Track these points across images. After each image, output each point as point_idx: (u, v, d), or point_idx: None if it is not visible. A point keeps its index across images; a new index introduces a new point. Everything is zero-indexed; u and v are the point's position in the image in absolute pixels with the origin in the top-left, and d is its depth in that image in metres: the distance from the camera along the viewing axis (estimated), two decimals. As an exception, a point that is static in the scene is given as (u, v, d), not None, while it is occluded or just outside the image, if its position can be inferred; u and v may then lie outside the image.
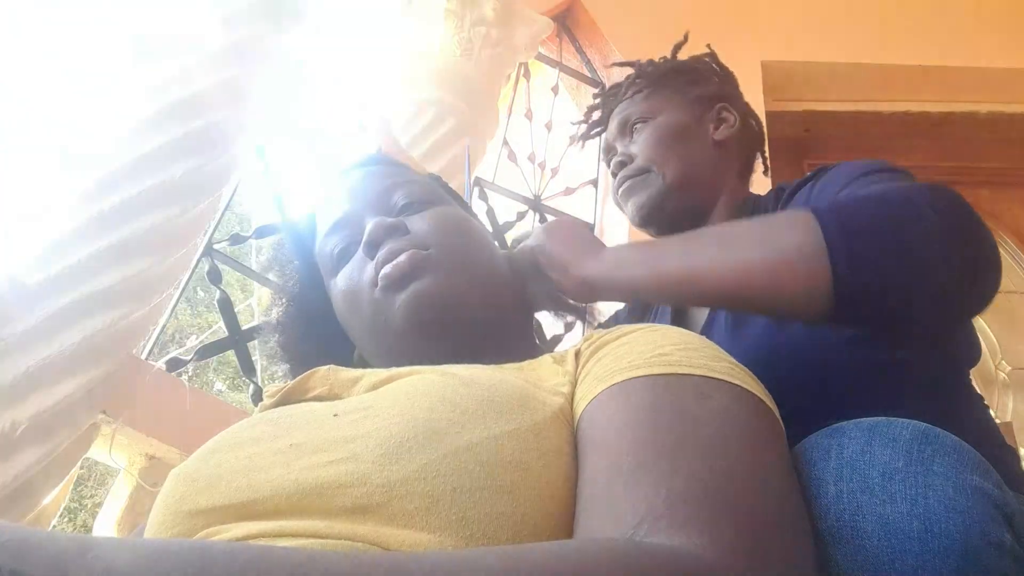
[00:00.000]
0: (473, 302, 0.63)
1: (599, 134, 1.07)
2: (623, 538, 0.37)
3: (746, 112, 1.02)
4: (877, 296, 0.54)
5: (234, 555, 0.29)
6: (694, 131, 0.95)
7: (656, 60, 1.04)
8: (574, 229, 0.74)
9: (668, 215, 0.92)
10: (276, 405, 0.59)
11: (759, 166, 1.07)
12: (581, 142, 1.11)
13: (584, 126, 1.09)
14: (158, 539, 0.31)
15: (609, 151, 1.01)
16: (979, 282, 0.56)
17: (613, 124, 1.00)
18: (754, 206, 0.90)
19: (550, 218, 2.03)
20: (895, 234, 0.54)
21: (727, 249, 0.60)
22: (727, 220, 0.91)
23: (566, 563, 0.33)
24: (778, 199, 0.86)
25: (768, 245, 0.57)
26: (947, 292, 0.55)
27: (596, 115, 1.07)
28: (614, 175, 0.97)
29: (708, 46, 1.07)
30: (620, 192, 0.95)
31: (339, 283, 0.68)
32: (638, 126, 0.96)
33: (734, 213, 0.92)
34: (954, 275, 0.55)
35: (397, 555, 0.34)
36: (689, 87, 0.99)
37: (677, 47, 1.07)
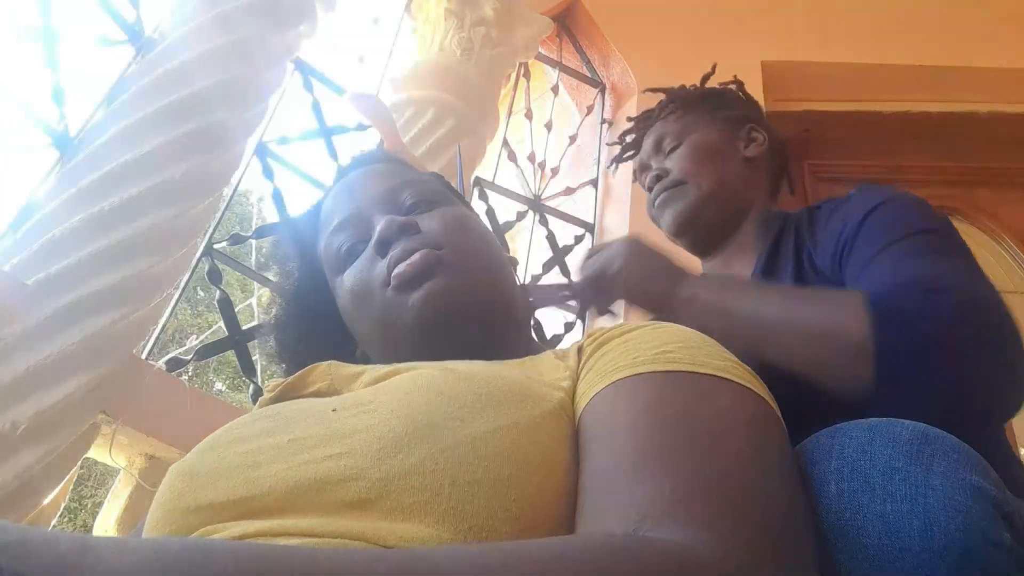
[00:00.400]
0: (484, 301, 0.63)
1: (631, 157, 1.12)
2: (626, 533, 0.37)
3: (774, 134, 1.07)
4: (913, 405, 0.58)
5: (236, 554, 0.29)
6: (726, 149, 1.01)
7: (688, 86, 1.11)
8: (646, 249, 0.81)
9: (702, 226, 0.98)
10: (275, 401, 0.59)
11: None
12: (615, 164, 1.18)
13: (618, 148, 1.15)
14: (158, 538, 0.31)
15: (644, 169, 1.07)
16: (1015, 391, 0.61)
17: (647, 143, 1.06)
18: (784, 222, 0.94)
19: (550, 218, 2.04)
20: (940, 361, 0.59)
21: (791, 321, 0.66)
22: (757, 233, 0.96)
23: (570, 558, 0.33)
24: (811, 220, 0.89)
25: (824, 331, 0.64)
26: (977, 403, 0.60)
27: (630, 139, 1.13)
28: (649, 189, 1.03)
29: (735, 77, 1.13)
30: (657, 203, 1.00)
31: (347, 281, 0.67)
32: (672, 144, 1.02)
33: (764, 226, 0.96)
34: (987, 395, 0.60)
35: (398, 553, 0.34)
36: (719, 110, 1.05)
37: (706, 77, 1.14)
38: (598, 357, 0.52)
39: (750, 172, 1.01)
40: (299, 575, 0.29)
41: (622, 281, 0.79)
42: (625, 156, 1.14)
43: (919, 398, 0.58)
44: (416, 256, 0.61)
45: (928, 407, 0.57)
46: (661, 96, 1.11)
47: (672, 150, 1.02)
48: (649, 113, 1.10)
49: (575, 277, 0.86)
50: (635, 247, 0.81)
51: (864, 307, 0.63)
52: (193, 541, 0.31)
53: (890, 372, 0.59)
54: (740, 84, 1.13)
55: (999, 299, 0.64)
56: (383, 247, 0.64)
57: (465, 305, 0.61)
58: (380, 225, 0.65)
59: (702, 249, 1.01)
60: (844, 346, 0.62)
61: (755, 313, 0.68)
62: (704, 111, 1.04)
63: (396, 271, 0.62)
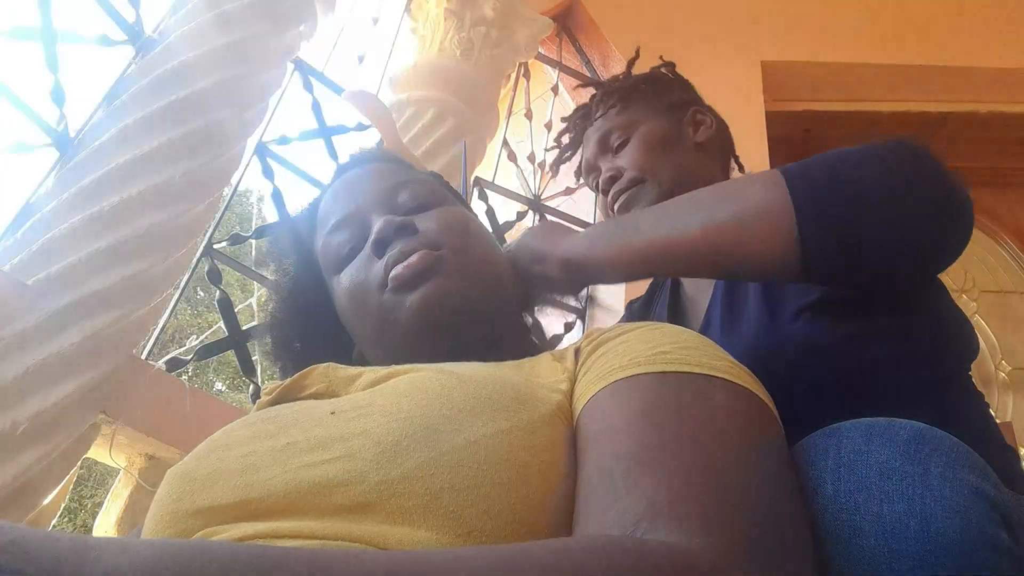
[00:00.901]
0: (482, 303, 0.63)
1: (570, 157, 1.07)
2: (623, 535, 0.37)
3: (717, 115, 1.03)
4: (844, 249, 0.55)
5: (235, 555, 0.29)
6: (676, 136, 0.96)
7: (620, 75, 1.05)
8: (551, 225, 0.77)
9: None
10: (273, 403, 0.59)
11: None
12: (554, 168, 1.11)
13: (557, 153, 1.09)
14: (159, 539, 0.31)
15: (591, 170, 1.01)
16: (948, 227, 0.57)
17: (591, 143, 1.00)
18: None
19: (550, 218, 2.04)
20: (859, 186, 0.55)
21: (696, 211, 0.61)
22: None
23: (567, 560, 0.33)
24: None
25: (735, 203, 0.59)
26: (915, 240, 0.56)
27: (566, 138, 1.06)
28: (604, 192, 0.96)
29: (661, 58, 1.08)
30: (616, 207, 0.94)
31: (343, 281, 0.67)
32: (619, 140, 0.96)
33: None
34: (920, 221, 0.56)
35: (396, 554, 0.34)
36: (659, 96, 1.00)
37: (631, 63, 1.08)
38: (595, 359, 0.52)
39: (704, 158, 0.97)
40: (299, 575, 0.29)
41: (521, 249, 0.74)
42: (565, 157, 1.08)
43: (852, 237, 0.55)
44: (414, 257, 0.61)
45: (861, 248, 0.55)
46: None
47: (620, 146, 0.96)
48: (585, 109, 1.04)
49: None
50: (531, 227, 0.77)
51: (775, 171, 0.58)
52: (193, 541, 0.31)
53: (816, 219, 0.55)
54: (670, 65, 1.07)
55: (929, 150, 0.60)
56: (380, 247, 0.64)
57: (462, 307, 0.61)
58: (377, 225, 0.64)
59: None
60: (760, 210, 0.57)
61: (658, 218, 0.63)
62: (644, 99, 0.99)
63: (393, 272, 0.61)
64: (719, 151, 1.01)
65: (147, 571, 0.27)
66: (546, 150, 1.14)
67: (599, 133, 0.98)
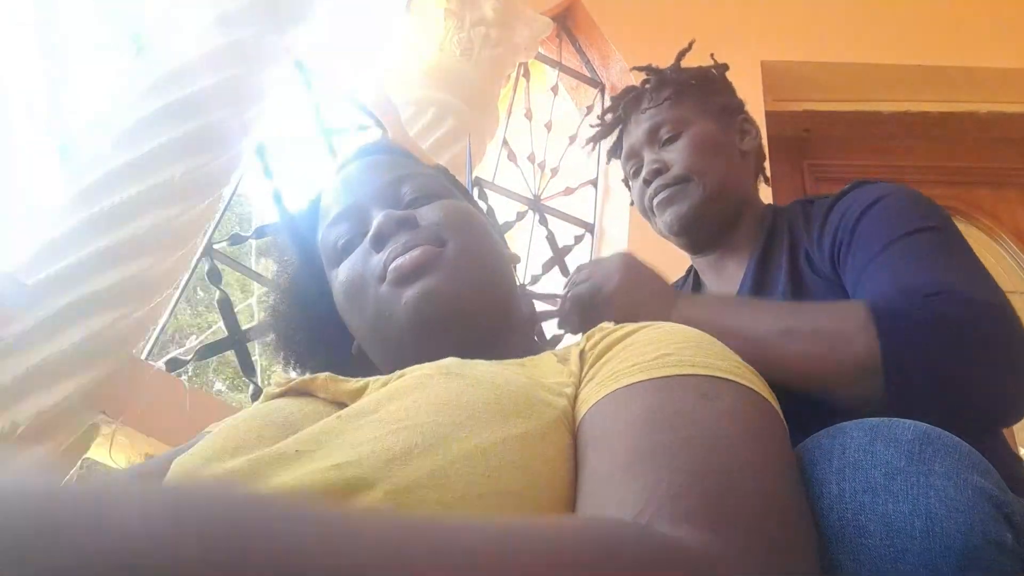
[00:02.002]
0: (481, 300, 0.62)
1: (609, 135, 1.06)
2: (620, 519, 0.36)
3: (757, 125, 1.04)
4: (924, 412, 0.59)
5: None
6: (724, 142, 0.97)
7: (674, 67, 1.04)
8: (639, 272, 0.78)
9: (705, 225, 0.93)
10: (281, 395, 0.58)
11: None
12: (594, 144, 1.12)
13: (598, 129, 1.08)
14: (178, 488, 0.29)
15: (633, 157, 1.00)
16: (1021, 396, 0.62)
17: (639, 130, 0.99)
18: (775, 217, 0.92)
19: (550, 218, 2.04)
20: (945, 360, 0.60)
21: (794, 337, 0.65)
22: (754, 230, 0.94)
23: (574, 536, 0.32)
24: (806, 214, 0.88)
25: (832, 347, 0.63)
26: (986, 406, 0.61)
27: (609, 117, 1.06)
28: (647, 182, 0.96)
29: (712, 56, 1.07)
30: (658, 200, 0.94)
31: (341, 275, 0.66)
32: (669, 135, 0.96)
33: (758, 223, 0.94)
34: (993, 393, 0.61)
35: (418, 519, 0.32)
36: (712, 96, 1.00)
37: (682, 54, 1.07)
38: (600, 365, 0.52)
39: (745, 166, 0.99)
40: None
41: (613, 306, 0.75)
42: (608, 135, 1.07)
43: (928, 406, 0.58)
44: (417, 251, 0.60)
45: (937, 414, 0.57)
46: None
47: (669, 141, 0.96)
48: (635, 92, 1.03)
49: (565, 291, 0.82)
50: (629, 269, 0.78)
51: (868, 318, 0.62)
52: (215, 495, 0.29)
53: (899, 382, 0.59)
54: (723, 67, 1.07)
55: (1004, 300, 0.64)
56: (379, 242, 0.63)
57: (461, 304, 0.60)
58: (378, 219, 0.63)
59: (698, 248, 0.98)
60: (850, 360, 0.61)
61: (754, 332, 0.66)
62: (697, 98, 0.99)
63: (394, 264, 0.61)
64: (756, 161, 1.03)
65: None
66: (592, 126, 1.13)
67: (650, 122, 0.98)
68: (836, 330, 0.63)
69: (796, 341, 0.64)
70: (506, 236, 1.86)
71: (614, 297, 0.76)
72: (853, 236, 0.77)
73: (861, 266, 0.73)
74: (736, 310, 0.72)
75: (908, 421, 0.43)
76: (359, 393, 0.55)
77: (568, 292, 0.81)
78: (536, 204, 2.05)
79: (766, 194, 1.00)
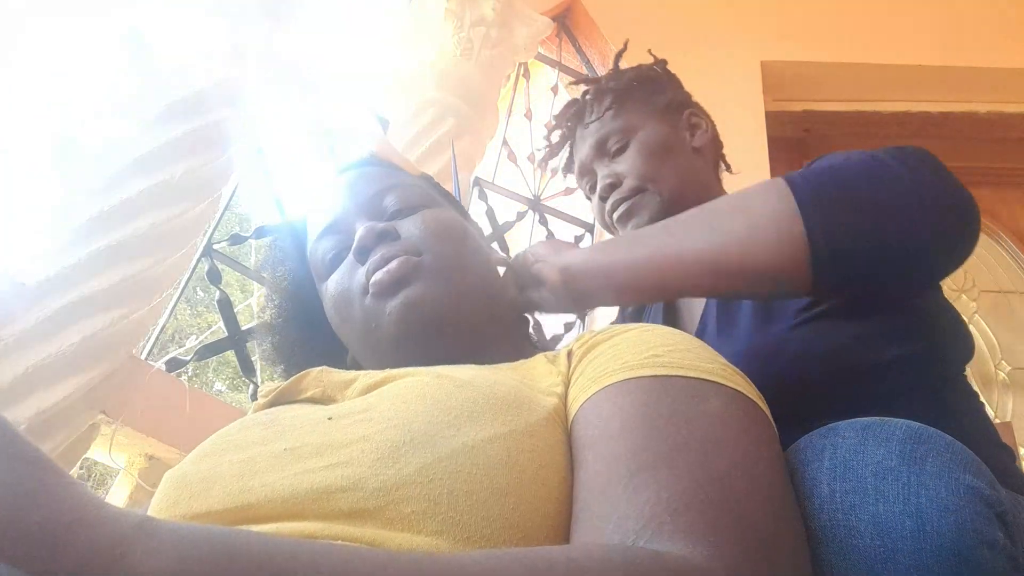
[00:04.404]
0: (464, 308, 0.63)
1: (556, 154, 1.04)
2: (623, 544, 0.37)
3: (709, 118, 1.02)
4: (854, 258, 0.54)
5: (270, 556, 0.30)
6: (674, 142, 0.95)
7: (612, 73, 1.02)
8: (560, 240, 0.75)
9: None
10: (269, 405, 0.59)
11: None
12: (543, 165, 1.09)
13: (546, 150, 1.06)
14: (188, 533, 0.30)
15: (586, 174, 0.98)
16: (958, 232, 0.57)
17: (586, 146, 0.97)
18: None
19: (550, 218, 2.04)
20: (867, 193, 0.55)
21: (702, 224, 0.60)
22: None
23: (565, 568, 0.33)
24: None
25: (743, 217, 0.58)
26: (924, 247, 0.56)
27: (556, 135, 1.04)
28: (603, 198, 0.94)
29: (650, 52, 1.05)
30: (616, 215, 0.92)
31: (330, 288, 0.67)
32: (617, 145, 0.94)
33: None
34: (929, 228, 0.55)
35: (403, 555, 0.34)
36: (654, 97, 0.98)
37: (619, 56, 1.05)
38: (588, 361, 0.52)
39: (700, 161, 0.96)
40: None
41: (539, 254, 0.72)
42: (555, 155, 1.05)
43: (862, 241, 0.54)
44: (393, 264, 0.61)
45: (873, 253, 0.54)
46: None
47: (618, 152, 0.94)
48: (576, 106, 1.01)
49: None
50: (564, 241, 0.75)
51: (780, 181, 0.58)
52: (221, 541, 0.30)
53: (824, 223, 0.54)
54: (661, 62, 1.04)
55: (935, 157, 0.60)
56: (362, 254, 0.64)
57: (444, 312, 0.61)
58: (359, 232, 0.64)
59: None
60: (768, 222, 0.56)
61: (681, 247, 0.60)
62: (639, 101, 0.96)
63: (373, 278, 0.62)
64: (713, 153, 1.00)
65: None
66: (535, 150, 1.10)
67: (595, 136, 0.96)
68: (746, 201, 0.58)
69: (708, 229, 0.59)
70: (506, 236, 1.87)
71: (539, 249, 0.73)
72: None
73: None
74: (645, 229, 0.67)
75: (900, 420, 0.43)
76: (348, 384, 0.56)
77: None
78: (536, 204, 2.05)
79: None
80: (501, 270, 0.75)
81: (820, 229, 0.55)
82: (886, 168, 0.56)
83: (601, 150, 0.96)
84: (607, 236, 2.05)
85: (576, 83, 1.03)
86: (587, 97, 1.00)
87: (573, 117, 1.01)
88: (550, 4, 2.18)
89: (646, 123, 0.95)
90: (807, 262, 0.55)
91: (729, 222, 0.59)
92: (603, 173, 0.94)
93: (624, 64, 1.07)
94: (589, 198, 1.01)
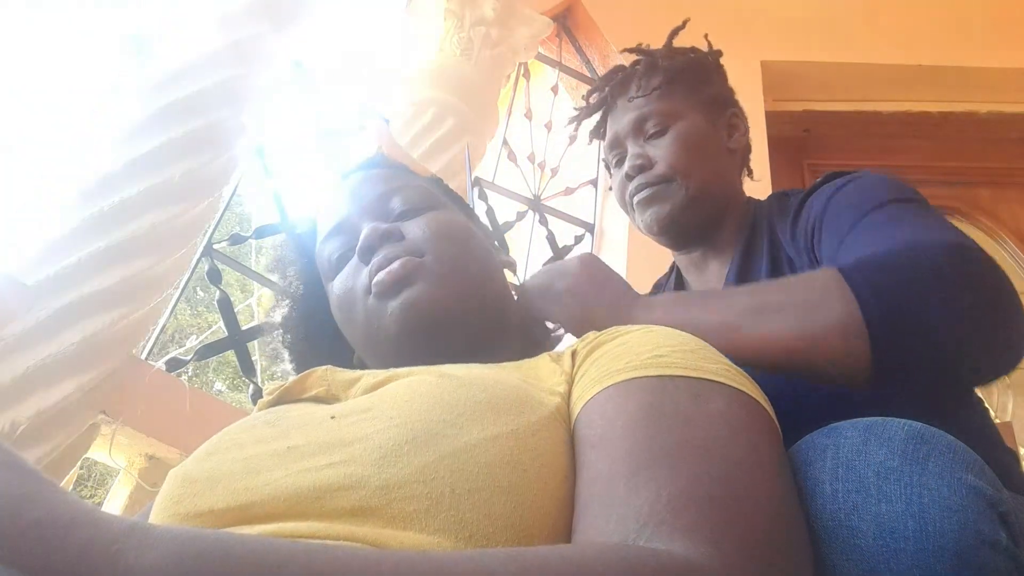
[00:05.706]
0: (466, 309, 0.63)
1: (589, 117, 1.03)
2: (624, 543, 0.37)
3: (746, 121, 1.01)
4: (915, 369, 0.56)
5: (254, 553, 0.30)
6: (712, 139, 0.94)
7: (666, 51, 1.00)
8: (600, 270, 0.72)
9: (685, 226, 0.91)
10: (273, 404, 0.59)
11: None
12: (576, 124, 1.07)
13: (581, 109, 1.04)
14: (179, 533, 0.31)
15: (616, 146, 0.96)
16: (1010, 334, 0.58)
17: (625, 119, 0.95)
18: (755, 214, 0.90)
19: (550, 218, 2.04)
20: (931, 308, 0.56)
21: (765, 316, 0.60)
22: (737, 228, 0.91)
23: (566, 567, 0.33)
24: (783, 209, 0.86)
25: (807, 316, 0.58)
26: (979, 355, 0.57)
27: (595, 97, 1.01)
28: (629, 177, 0.92)
29: (706, 37, 1.04)
30: (638, 198, 0.91)
31: (335, 288, 0.68)
32: (655, 129, 0.92)
33: (740, 221, 0.92)
34: (985, 338, 0.57)
35: (396, 553, 0.34)
36: (703, 87, 0.96)
37: (673, 33, 1.03)
38: (592, 361, 0.52)
39: (730, 165, 0.95)
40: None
41: (561, 303, 0.70)
42: (590, 117, 1.03)
43: (919, 358, 0.56)
44: (395, 264, 0.62)
45: (929, 368, 0.56)
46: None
47: (655, 135, 0.92)
48: (622, 74, 0.98)
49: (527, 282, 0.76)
50: (586, 267, 0.71)
51: (839, 279, 0.58)
52: (214, 541, 0.31)
53: (885, 337, 0.55)
54: (717, 53, 1.02)
55: (979, 247, 0.60)
56: (366, 254, 0.64)
57: (445, 312, 0.61)
58: (364, 232, 0.65)
59: (679, 246, 0.95)
60: (829, 326, 0.56)
61: (721, 319, 0.61)
62: (687, 88, 0.95)
63: (376, 279, 0.62)
64: (743, 157, 0.99)
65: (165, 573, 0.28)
66: (575, 109, 1.08)
67: (636, 113, 0.94)
68: (807, 300, 0.59)
69: (767, 319, 0.59)
70: (506, 236, 1.87)
71: (563, 296, 0.70)
72: (823, 222, 0.75)
73: (835, 247, 0.71)
74: (698, 302, 0.67)
75: (902, 420, 0.43)
76: (353, 383, 0.56)
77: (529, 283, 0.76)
78: (536, 204, 2.05)
79: (766, 194, 0.98)
80: (509, 275, 0.75)
81: (885, 346, 0.56)
82: (943, 280, 0.57)
83: (638, 128, 0.94)
84: (609, 230, 2.04)
85: (630, 50, 1.00)
86: (637, 68, 0.98)
87: (617, 86, 0.98)
88: (550, 4, 2.18)
89: (689, 113, 0.93)
90: (869, 370, 0.56)
91: (793, 320, 0.59)
92: (635, 151, 0.93)
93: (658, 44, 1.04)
94: (610, 171, 1.00)
